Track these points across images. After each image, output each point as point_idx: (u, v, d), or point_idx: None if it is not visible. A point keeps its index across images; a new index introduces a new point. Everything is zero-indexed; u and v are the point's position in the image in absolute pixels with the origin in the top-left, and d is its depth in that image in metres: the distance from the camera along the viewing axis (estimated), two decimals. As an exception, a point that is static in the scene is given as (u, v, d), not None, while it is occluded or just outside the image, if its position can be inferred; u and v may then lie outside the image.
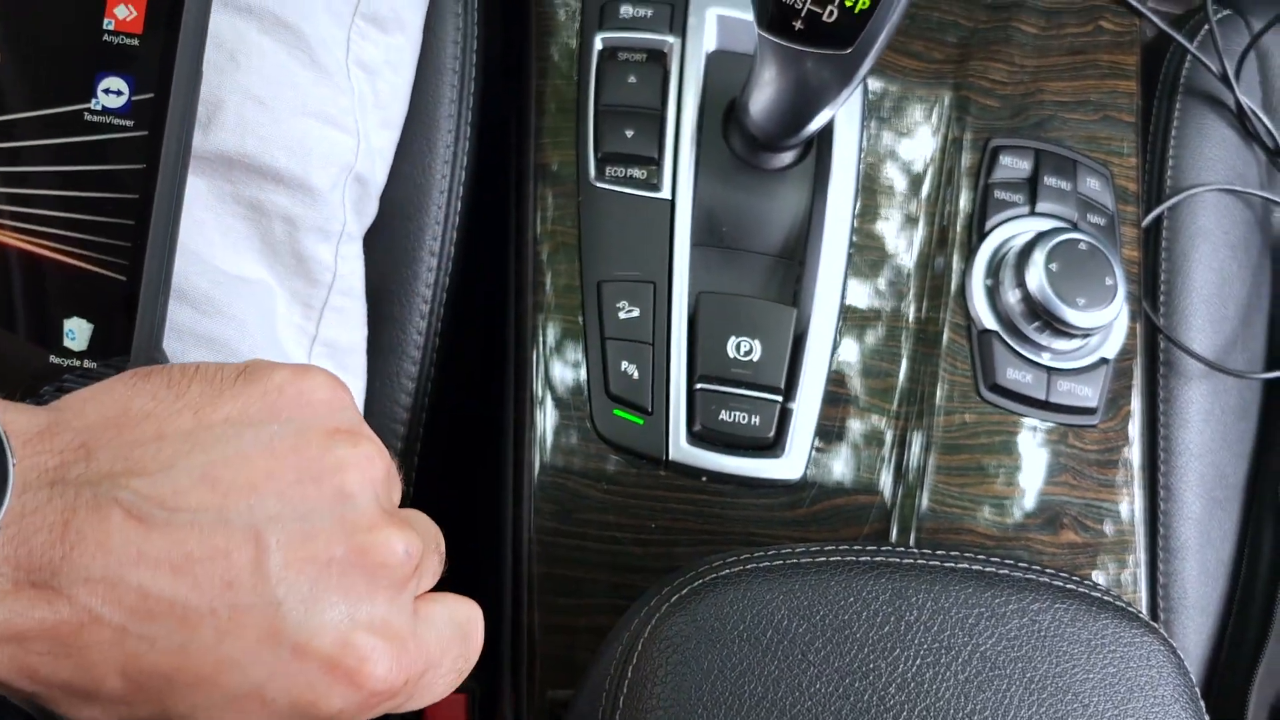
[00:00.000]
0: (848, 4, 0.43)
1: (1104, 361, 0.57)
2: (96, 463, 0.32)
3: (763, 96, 0.51)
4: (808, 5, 0.44)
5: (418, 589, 0.37)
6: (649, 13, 0.59)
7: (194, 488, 0.32)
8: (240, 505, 0.33)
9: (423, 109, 0.55)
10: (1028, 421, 0.56)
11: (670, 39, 0.58)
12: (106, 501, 0.31)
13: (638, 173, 0.56)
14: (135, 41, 0.40)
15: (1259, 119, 0.68)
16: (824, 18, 0.44)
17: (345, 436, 0.35)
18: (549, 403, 0.54)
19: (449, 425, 0.58)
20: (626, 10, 0.59)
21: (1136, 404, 0.58)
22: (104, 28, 0.40)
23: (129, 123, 0.40)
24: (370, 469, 0.35)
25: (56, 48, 0.40)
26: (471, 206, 0.58)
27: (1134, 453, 0.58)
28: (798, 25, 0.44)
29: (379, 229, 0.54)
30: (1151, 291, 0.65)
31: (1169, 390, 0.64)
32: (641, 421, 0.54)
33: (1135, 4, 0.63)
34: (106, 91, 0.40)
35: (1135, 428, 0.58)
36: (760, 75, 0.50)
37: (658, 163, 0.56)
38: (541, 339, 0.55)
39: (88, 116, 0.40)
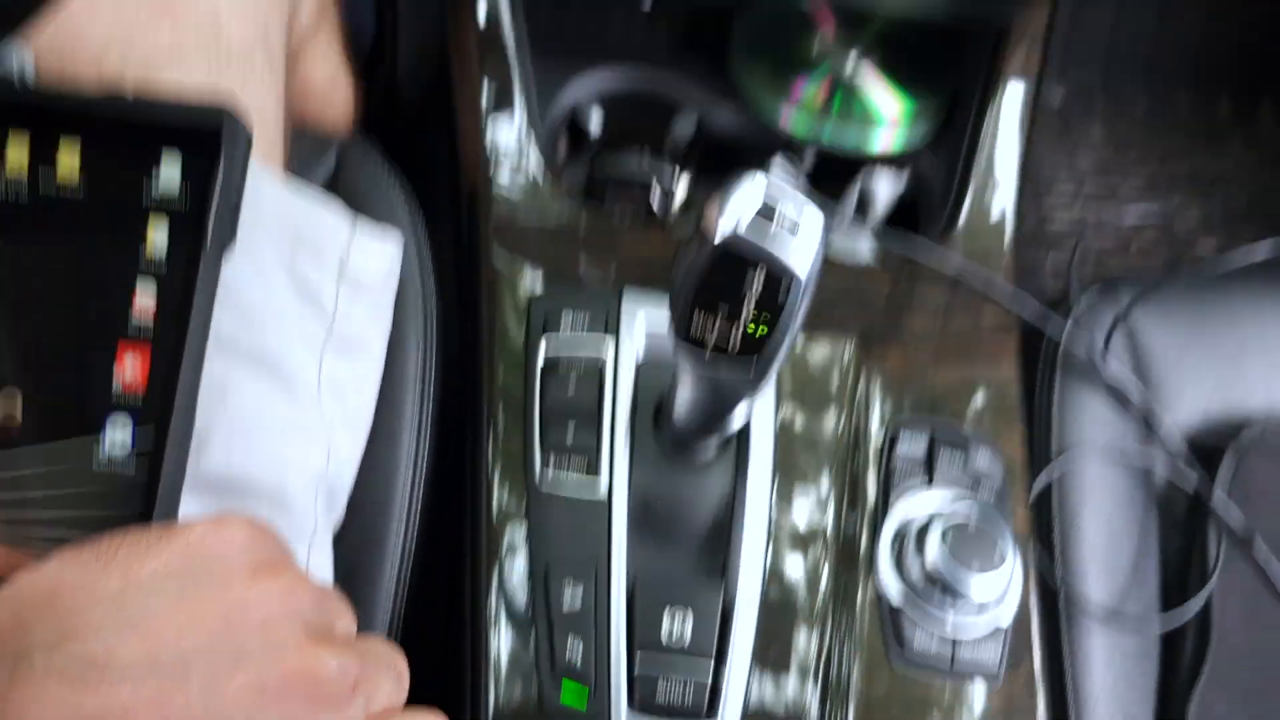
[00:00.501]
0: (748, 330, 0.51)
1: (1000, 630, 0.63)
2: (31, 635, 0.34)
3: (683, 400, 0.58)
4: (714, 339, 0.51)
5: (369, 708, 0.38)
6: (586, 315, 0.67)
7: (124, 643, 0.34)
8: (170, 650, 0.34)
9: (387, 420, 0.62)
10: (937, 685, 0.62)
11: (606, 355, 0.65)
12: (42, 671, 0.33)
13: (578, 464, 0.63)
14: (139, 400, 0.47)
15: (1131, 387, 0.76)
16: (728, 351, 0.51)
17: (267, 571, 0.37)
18: (502, 678, 0.59)
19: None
20: (568, 317, 0.67)
21: (1037, 660, 0.64)
22: (112, 389, 0.46)
23: (131, 462, 0.46)
24: (293, 599, 0.37)
25: (69, 400, 0.47)
26: (432, 501, 0.64)
27: (1039, 705, 0.63)
28: (707, 355, 0.52)
29: (347, 526, 0.60)
30: (1048, 549, 0.72)
31: (1072, 640, 0.70)
32: (586, 695, 0.59)
33: (1008, 308, 0.72)
34: (112, 443, 0.46)
35: (1037, 682, 0.63)
36: (680, 381, 0.57)
37: (595, 456, 0.63)
38: (495, 619, 0.60)
39: (95, 468, 0.46)
